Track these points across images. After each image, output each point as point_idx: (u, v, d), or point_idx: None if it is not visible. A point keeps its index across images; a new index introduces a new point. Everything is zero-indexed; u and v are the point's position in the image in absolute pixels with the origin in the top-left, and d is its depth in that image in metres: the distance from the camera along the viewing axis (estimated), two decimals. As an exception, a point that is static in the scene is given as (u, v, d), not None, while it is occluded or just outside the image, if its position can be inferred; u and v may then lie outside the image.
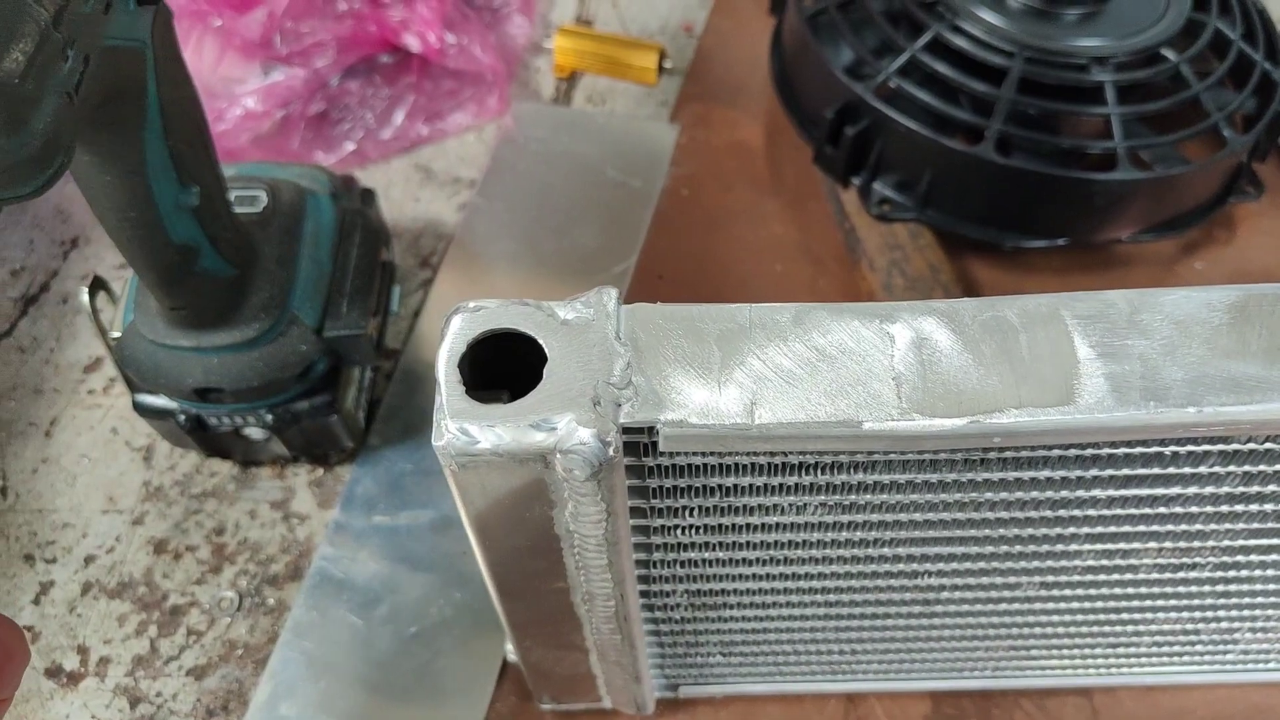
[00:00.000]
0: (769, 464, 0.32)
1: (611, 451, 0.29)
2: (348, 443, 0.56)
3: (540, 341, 0.30)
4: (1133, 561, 0.38)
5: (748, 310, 0.31)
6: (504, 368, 0.31)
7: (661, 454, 0.31)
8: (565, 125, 0.71)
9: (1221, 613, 0.43)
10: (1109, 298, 0.31)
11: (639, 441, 0.30)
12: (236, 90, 0.64)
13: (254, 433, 0.54)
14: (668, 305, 0.31)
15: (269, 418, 0.52)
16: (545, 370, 0.30)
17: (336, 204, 0.55)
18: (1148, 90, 0.58)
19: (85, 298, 0.52)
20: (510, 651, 0.49)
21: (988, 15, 0.57)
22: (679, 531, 0.35)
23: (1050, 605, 0.42)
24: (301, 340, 0.50)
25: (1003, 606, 0.42)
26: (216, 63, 0.63)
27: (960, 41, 0.57)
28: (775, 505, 0.34)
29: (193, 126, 0.44)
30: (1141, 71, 0.57)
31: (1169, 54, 0.58)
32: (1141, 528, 0.36)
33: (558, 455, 0.29)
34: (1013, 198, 0.56)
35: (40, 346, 0.63)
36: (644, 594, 0.40)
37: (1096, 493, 0.33)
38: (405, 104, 0.68)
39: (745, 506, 0.34)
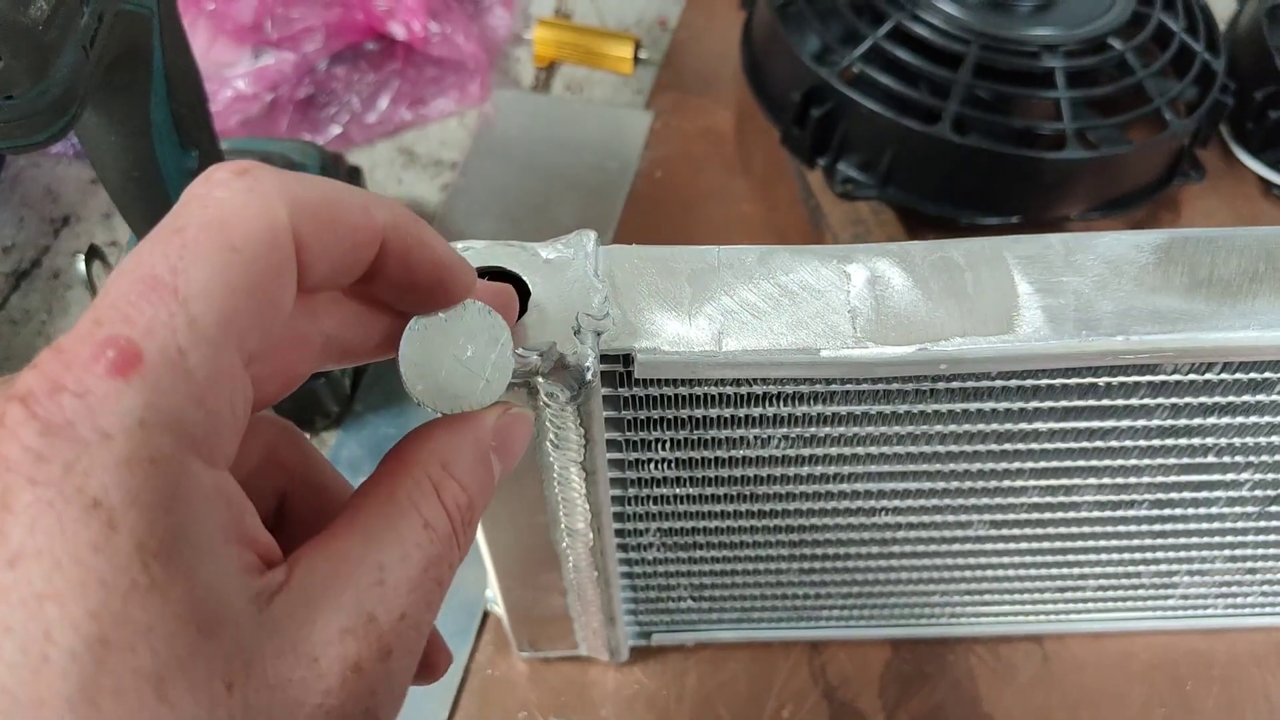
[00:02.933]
0: (735, 395, 0.34)
1: (590, 375, 0.31)
2: (333, 408, 0.58)
3: (524, 278, 0.33)
4: (1074, 498, 0.41)
5: (716, 251, 0.34)
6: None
7: (636, 383, 0.33)
8: (544, 111, 0.73)
9: (1160, 554, 0.46)
10: (1047, 240, 0.34)
11: (615, 371, 0.33)
12: (227, 73, 0.66)
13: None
14: (642, 246, 0.34)
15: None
16: (529, 303, 0.32)
17: (326, 177, 0.57)
18: (1095, 76, 0.61)
19: (82, 265, 0.54)
20: (490, 601, 0.51)
21: (946, 6, 0.61)
22: (651, 466, 0.38)
23: (1000, 545, 0.44)
24: (292, 305, 0.52)
25: (955, 547, 0.44)
26: (208, 46, 0.65)
27: (920, 30, 0.60)
28: (741, 438, 0.36)
29: (193, 92, 0.46)
30: (1089, 59, 0.60)
31: (1115, 43, 0.61)
32: (1081, 462, 0.39)
33: (540, 380, 0.31)
34: (969, 176, 0.59)
35: (32, 319, 0.64)
36: (619, 533, 0.42)
37: (1038, 425, 0.36)
38: (390, 89, 0.70)
39: (713, 439, 0.36)
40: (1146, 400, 0.36)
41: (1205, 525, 0.44)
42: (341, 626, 0.20)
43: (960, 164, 0.58)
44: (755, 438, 0.36)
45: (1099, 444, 0.38)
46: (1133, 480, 0.40)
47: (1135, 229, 0.66)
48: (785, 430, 0.36)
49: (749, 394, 0.34)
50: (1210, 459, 0.39)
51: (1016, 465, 0.39)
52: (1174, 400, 0.36)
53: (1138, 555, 0.46)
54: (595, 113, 0.73)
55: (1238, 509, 0.42)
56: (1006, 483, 0.40)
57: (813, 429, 0.36)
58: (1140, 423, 0.37)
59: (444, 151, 0.71)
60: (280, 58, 0.67)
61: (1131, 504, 0.42)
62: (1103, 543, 0.45)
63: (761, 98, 0.67)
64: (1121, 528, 0.44)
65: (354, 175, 0.62)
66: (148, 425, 0.18)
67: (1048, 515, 0.42)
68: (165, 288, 0.19)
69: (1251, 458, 0.39)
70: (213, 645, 0.18)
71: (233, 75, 0.66)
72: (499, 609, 0.48)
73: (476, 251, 0.33)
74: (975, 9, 0.61)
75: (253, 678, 0.18)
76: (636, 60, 0.74)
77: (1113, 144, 0.59)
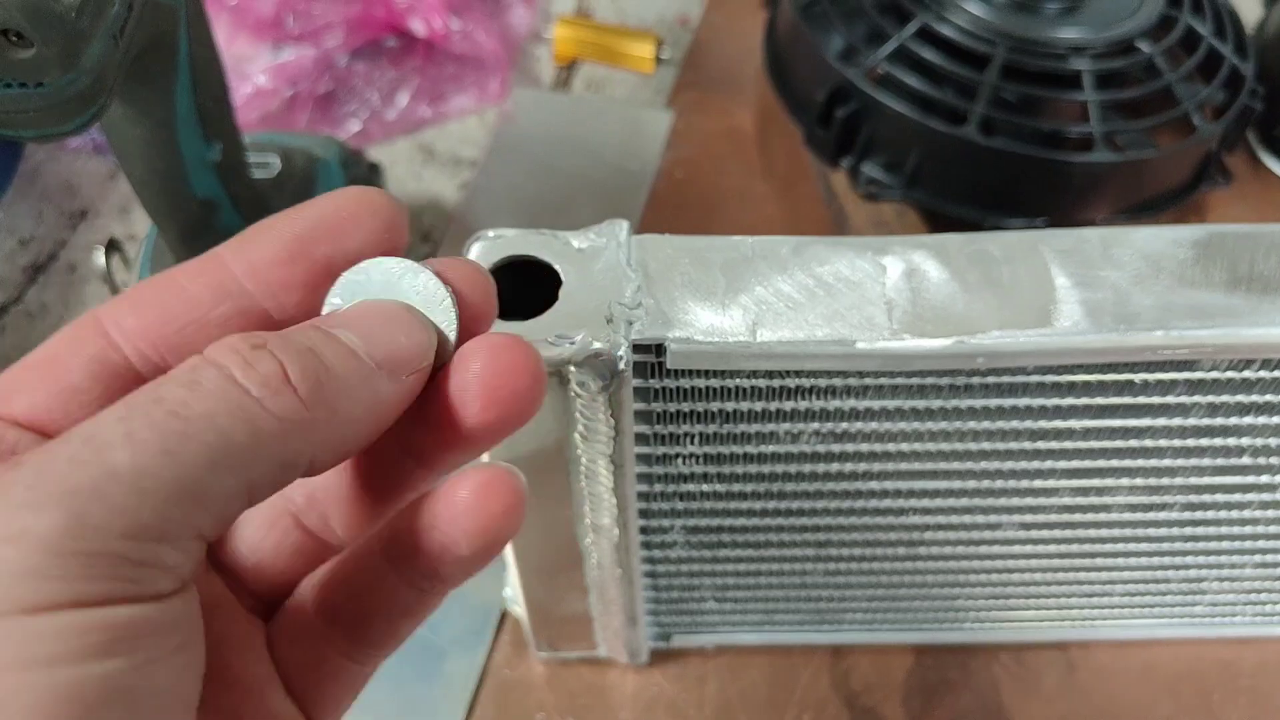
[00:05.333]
0: (767, 388, 0.34)
1: (622, 365, 0.31)
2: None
3: (556, 267, 0.32)
4: (1106, 500, 0.40)
5: (751, 242, 0.34)
6: (516, 297, 0.33)
7: (667, 374, 0.33)
8: (565, 110, 0.73)
9: (1190, 558, 0.45)
10: (1084, 234, 0.33)
11: (647, 362, 0.32)
12: (247, 68, 0.66)
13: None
14: (675, 236, 0.34)
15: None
16: (561, 292, 0.32)
17: (346, 172, 0.57)
18: (1123, 79, 0.61)
19: (101, 258, 0.54)
20: (509, 601, 0.51)
21: (972, 6, 0.60)
22: (679, 461, 0.37)
23: (1029, 549, 0.44)
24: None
25: (983, 549, 0.44)
26: (229, 41, 0.65)
27: (946, 30, 0.60)
28: (771, 433, 0.36)
29: (217, 84, 0.46)
30: (1117, 61, 0.60)
31: (1143, 45, 0.61)
32: (1114, 462, 0.38)
33: (572, 369, 0.31)
34: (994, 178, 0.58)
35: (49, 313, 0.64)
36: (643, 530, 0.41)
37: (1073, 423, 0.36)
38: (410, 86, 0.70)
39: (743, 434, 0.36)
40: (1183, 398, 0.35)
41: (1237, 529, 0.43)
42: None
43: (986, 166, 0.58)
44: (786, 432, 0.36)
45: (1133, 443, 0.37)
46: (1166, 481, 0.40)
47: (1161, 233, 0.66)
48: (817, 425, 0.36)
49: (781, 387, 0.34)
50: (1245, 460, 0.38)
51: (1049, 465, 0.38)
52: (1211, 399, 0.35)
53: (1167, 560, 0.45)
54: (616, 112, 0.73)
55: (1270, 513, 0.42)
56: (1038, 483, 0.39)
57: (844, 424, 0.36)
58: (1176, 421, 0.36)
59: (463, 149, 0.71)
60: (300, 53, 0.67)
61: (1163, 506, 0.41)
62: (1133, 546, 0.44)
63: (784, 97, 0.66)
64: (1152, 530, 0.43)
65: (373, 171, 0.62)
66: None
67: (1078, 517, 0.42)
68: None
69: (1288, 460, 0.39)
70: None
71: (253, 70, 0.66)
72: (518, 609, 0.47)
73: (507, 240, 0.33)
74: (1002, 10, 0.60)
75: None
76: (658, 59, 0.74)
77: (1140, 148, 0.58)
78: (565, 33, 0.74)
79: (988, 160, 0.57)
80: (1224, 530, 0.43)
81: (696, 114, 0.73)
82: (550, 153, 0.70)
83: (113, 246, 0.54)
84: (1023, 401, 0.35)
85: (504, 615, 0.53)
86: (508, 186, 0.69)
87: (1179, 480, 0.39)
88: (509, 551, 0.41)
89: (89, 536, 0.17)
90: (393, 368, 0.21)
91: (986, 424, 0.36)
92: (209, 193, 0.47)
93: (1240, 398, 0.35)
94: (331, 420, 0.20)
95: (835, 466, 0.38)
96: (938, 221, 0.63)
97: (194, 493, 0.18)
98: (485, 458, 0.35)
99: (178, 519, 0.18)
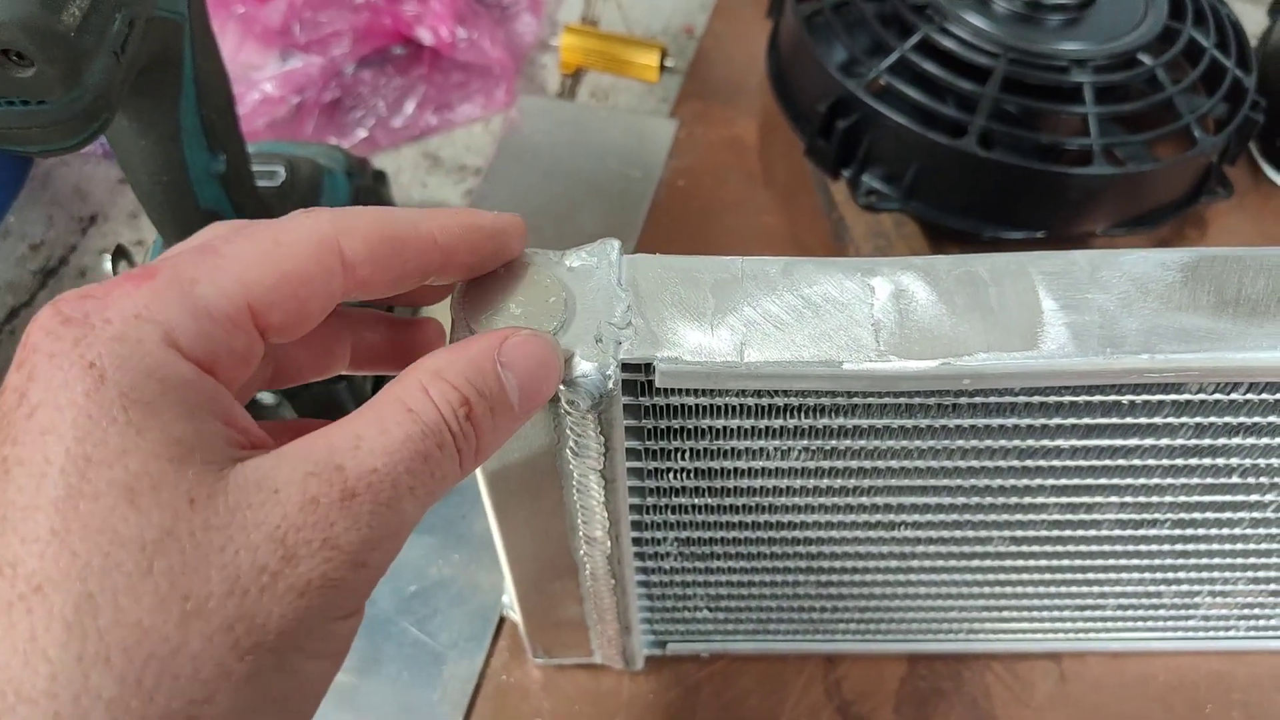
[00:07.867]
0: (756, 406, 0.34)
1: (611, 384, 0.31)
2: (352, 409, 0.59)
3: (548, 285, 0.33)
4: (1095, 516, 0.41)
5: (740, 262, 0.34)
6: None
7: (657, 393, 0.33)
8: (569, 118, 0.73)
9: (1181, 574, 0.45)
10: (1072, 257, 0.34)
11: (637, 380, 0.33)
12: (254, 76, 0.67)
13: (265, 398, 0.56)
14: (666, 256, 0.34)
15: (280, 384, 0.55)
16: (552, 311, 0.32)
17: (351, 181, 0.57)
18: (1124, 92, 0.61)
19: (108, 265, 0.54)
20: (506, 607, 0.51)
21: (974, 19, 0.60)
22: (671, 475, 0.38)
23: (1019, 562, 0.44)
24: (315, 308, 0.53)
25: (974, 563, 0.44)
26: (237, 49, 0.66)
27: (948, 43, 0.60)
28: (761, 449, 0.36)
29: (222, 97, 0.46)
30: (1118, 74, 0.60)
31: (1145, 58, 0.61)
32: (1103, 480, 0.38)
33: (562, 387, 0.31)
34: (993, 190, 0.59)
35: (59, 317, 0.65)
36: (636, 542, 0.42)
37: (1060, 442, 0.36)
38: (416, 94, 0.71)
39: (733, 450, 0.36)
40: (1170, 419, 0.35)
41: (1228, 546, 0.43)
42: (306, 471, 0.24)
43: (985, 178, 0.58)
44: (775, 449, 0.36)
45: (1121, 462, 0.37)
46: (1155, 499, 0.40)
47: (1160, 246, 0.66)
48: (806, 442, 0.36)
49: (770, 405, 0.34)
50: (1234, 479, 0.39)
51: (1038, 482, 0.38)
52: (1198, 420, 0.35)
53: (1159, 575, 0.45)
54: (620, 120, 0.73)
55: (1261, 530, 0.42)
56: (1027, 499, 0.39)
57: (833, 441, 0.36)
58: (1164, 442, 0.36)
59: (469, 157, 0.72)
60: (308, 61, 0.67)
61: (1154, 523, 0.42)
62: (1124, 561, 0.44)
63: (787, 108, 0.67)
64: (1143, 547, 0.43)
65: (379, 179, 0.62)
66: (141, 318, 0.23)
67: (1068, 533, 0.42)
68: (210, 249, 0.25)
69: (1276, 479, 0.39)
70: (181, 472, 0.22)
71: (260, 78, 0.67)
72: (515, 615, 0.48)
73: (500, 259, 0.34)
74: (1004, 22, 0.61)
75: (215, 499, 0.22)
76: (662, 68, 0.74)
77: (1140, 160, 0.59)
78: (571, 41, 0.75)
79: (987, 172, 0.58)
80: (1215, 547, 0.43)
81: (700, 123, 0.73)
82: (555, 161, 0.71)
83: (120, 254, 0.54)
84: (1010, 421, 0.35)
85: (502, 621, 0.53)
86: (513, 194, 0.69)
87: (1168, 499, 0.40)
88: (503, 559, 0.42)
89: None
90: (529, 410, 0.29)
91: (974, 442, 0.36)
92: (213, 204, 0.48)
93: (1228, 419, 0.35)
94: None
95: (825, 482, 0.38)
96: (937, 233, 0.63)
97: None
98: (478, 475, 0.36)
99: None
